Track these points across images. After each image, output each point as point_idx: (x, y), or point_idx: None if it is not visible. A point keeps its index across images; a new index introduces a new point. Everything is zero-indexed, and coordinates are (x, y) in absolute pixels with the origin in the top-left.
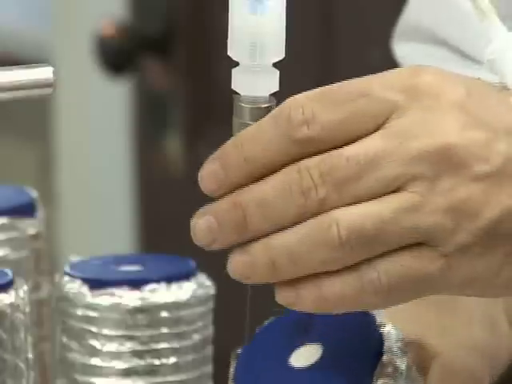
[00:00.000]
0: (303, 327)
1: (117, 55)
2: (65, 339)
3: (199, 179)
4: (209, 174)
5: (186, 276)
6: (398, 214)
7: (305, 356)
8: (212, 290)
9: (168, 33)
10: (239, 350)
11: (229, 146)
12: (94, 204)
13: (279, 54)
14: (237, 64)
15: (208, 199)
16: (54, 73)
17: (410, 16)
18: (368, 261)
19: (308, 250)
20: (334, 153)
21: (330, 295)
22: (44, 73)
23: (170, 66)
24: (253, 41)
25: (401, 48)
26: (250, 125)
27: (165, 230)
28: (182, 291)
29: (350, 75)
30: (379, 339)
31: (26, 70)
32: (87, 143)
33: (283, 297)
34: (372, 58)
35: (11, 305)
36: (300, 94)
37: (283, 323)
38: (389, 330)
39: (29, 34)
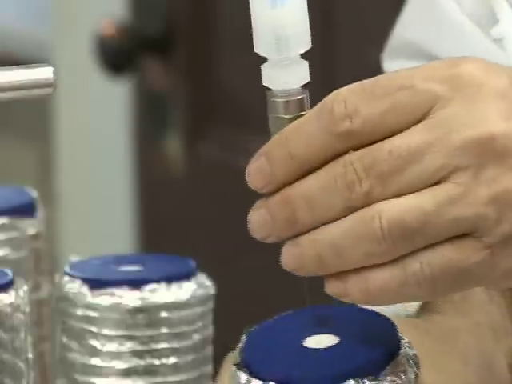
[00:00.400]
0: (322, 321)
1: (117, 55)
2: (65, 339)
3: (246, 176)
4: (255, 169)
5: (186, 276)
6: (440, 206)
7: (319, 341)
8: (212, 290)
9: (168, 33)
10: (252, 328)
11: (274, 141)
12: (94, 204)
13: (306, 45)
14: (253, 61)
15: (206, 199)
16: (54, 73)
17: (400, 32)
18: (411, 253)
19: (352, 243)
20: (376, 146)
21: (375, 288)
22: (44, 73)
23: (170, 65)
24: (277, 34)
25: (391, 65)
26: (286, 118)
27: (165, 230)
28: (182, 291)
29: (350, 75)
30: (397, 345)
31: (26, 70)
32: (87, 143)
33: (332, 288)
34: (372, 58)
35: (11, 305)
36: (342, 88)
37: (302, 314)
38: (408, 342)
39: (29, 34)
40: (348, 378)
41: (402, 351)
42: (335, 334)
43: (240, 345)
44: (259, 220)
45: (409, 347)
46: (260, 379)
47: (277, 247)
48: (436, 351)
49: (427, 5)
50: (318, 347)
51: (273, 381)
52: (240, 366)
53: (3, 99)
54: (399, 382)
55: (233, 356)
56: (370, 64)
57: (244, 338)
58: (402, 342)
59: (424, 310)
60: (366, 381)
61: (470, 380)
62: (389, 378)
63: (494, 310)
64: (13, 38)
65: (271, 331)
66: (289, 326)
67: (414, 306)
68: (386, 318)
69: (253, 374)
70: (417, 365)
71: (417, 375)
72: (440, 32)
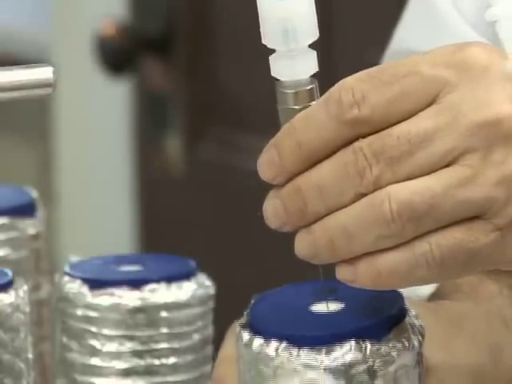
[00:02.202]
0: (330, 290)
1: (117, 55)
2: (65, 339)
3: (258, 168)
4: (266, 161)
5: (186, 276)
6: (449, 188)
7: (325, 307)
8: (212, 290)
9: (168, 33)
10: (260, 295)
11: (282, 132)
12: (94, 204)
13: (313, 35)
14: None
15: (206, 199)
16: (54, 73)
17: (399, 40)
18: (421, 235)
19: (362, 227)
20: (385, 132)
21: (385, 271)
22: (44, 73)
23: (170, 66)
24: (284, 26)
25: None
26: (296, 109)
27: (165, 229)
28: (182, 291)
29: (349, 74)
30: (402, 313)
31: (25, 70)
32: (87, 143)
33: (343, 274)
34: (372, 58)
35: (11, 305)
36: (349, 76)
37: (310, 284)
38: (415, 314)
39: (29, 34)
40: (350, 338)
41: (406, 319)
42: (342, 301)
43: (247, 310)
44: (272, 210)
45: (415, 318)
46: (262, 337)
47: (277, 247)
48: (445, 331)
49: (426, 12)
50: (323, 311)
51: (274, 339)
52: (244, 326)
53: (3, 99)
54: (401, 347)
55: (240, 320)
56: (368, 64)
57: (252, 302)
58: (409, 312)
59: (435, 297)
60: (367, 342)
61: (478, 361)
62: (391, 343)
63: (504, 301)
64: (13, 38)
65: (278, 297)
66: (296, 294)
67: (425, 294)
68: (394, 290)
69: (256, 333)
70: (422, 335)
71: (421, 344)
72: (439, 40)
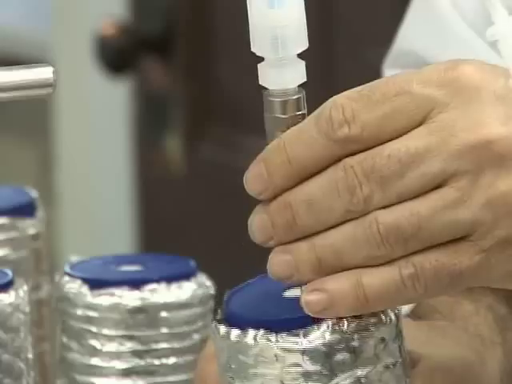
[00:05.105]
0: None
1: (117, 55)
2: (65, 339)
3: (244, 182)
4: (254, 176)
5: (186, 276)
6: (436, 210)
7: (299, 291)
8: (212, 290)
9: (168, 33)
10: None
11: (272, 147)
12: (94, 204)
13: (303, 45)
14: (248, 61)
15: (206, 199)
16: (54, 73)
17: (402, 42)
18: (407, 257)
19: (352, 247)
20: (376, 150)
21: (372, 294)
22: (44, 73)
23: (170, 65)
24: (274, 34)
25: (390, 73)
26: (282, 118)
27: (165, 230)
28: (182, 291)
29: (349, 74)
30: None
31: (25, 70)
32: (87, 143)
33: (313, 305)
34: (372, 58)
35: (11, 305)
36: (340, 94)
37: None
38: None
39: (29, 34)
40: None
41: None
42: None
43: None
44: (259, 224)
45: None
46: (239, 328)
47: None
48: (428, 335)
49: (429, 14)
50: (297, 295)
51: (251, 327)
52: (220, 321)
53: (3, 99)
54: (378, 321)
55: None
56: (368, 64)
57: (225, 297)
58: None
59: (412, 316)
60: (344, 319)
61: (466, 360)
62: (368, 318)
63: (480, 321)
64: (13, 38)
65: (251, 288)
66: (268, 283)
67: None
68: None
69: (232, 325)
70: (397, 308)
71: (398, 317)
72: (441, 41)
